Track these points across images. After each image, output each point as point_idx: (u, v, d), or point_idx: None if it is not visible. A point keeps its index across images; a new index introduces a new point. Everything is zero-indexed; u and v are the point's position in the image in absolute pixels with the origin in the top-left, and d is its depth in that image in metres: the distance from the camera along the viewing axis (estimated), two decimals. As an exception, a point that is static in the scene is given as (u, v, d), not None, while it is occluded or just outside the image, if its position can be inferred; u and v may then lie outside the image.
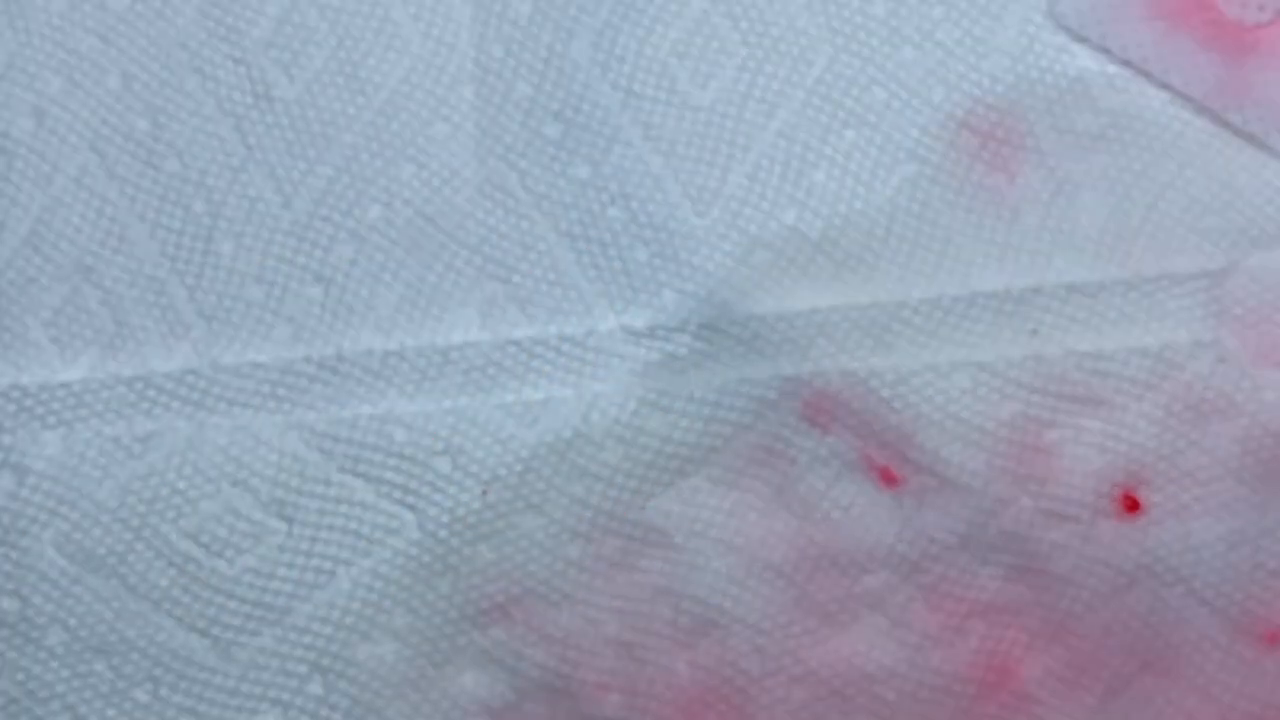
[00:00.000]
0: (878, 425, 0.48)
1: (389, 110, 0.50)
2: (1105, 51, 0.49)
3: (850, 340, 0.49)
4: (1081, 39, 0.49)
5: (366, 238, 0.49)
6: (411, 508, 0.48)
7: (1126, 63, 0.49)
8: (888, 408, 0.48)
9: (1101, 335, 0.48)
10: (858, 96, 0.50)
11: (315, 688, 0.48)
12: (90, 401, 0.49)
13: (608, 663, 0.48)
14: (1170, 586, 0.48)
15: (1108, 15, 0.49)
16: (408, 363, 0.49)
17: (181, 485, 0.48)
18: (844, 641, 0.48)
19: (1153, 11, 0.49)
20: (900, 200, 0.49)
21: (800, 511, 0.48)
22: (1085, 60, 0.49)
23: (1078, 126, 0.49)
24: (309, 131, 0.49)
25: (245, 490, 0.48)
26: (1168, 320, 0.49)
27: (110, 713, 0.48)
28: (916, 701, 0.48)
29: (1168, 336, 0.48)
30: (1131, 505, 0.48)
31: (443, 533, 0.48)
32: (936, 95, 0.50)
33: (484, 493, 0.48)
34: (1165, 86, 0.49)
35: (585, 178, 0.50)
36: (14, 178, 0.49)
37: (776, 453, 0.48)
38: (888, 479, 0.48)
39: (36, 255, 0.49)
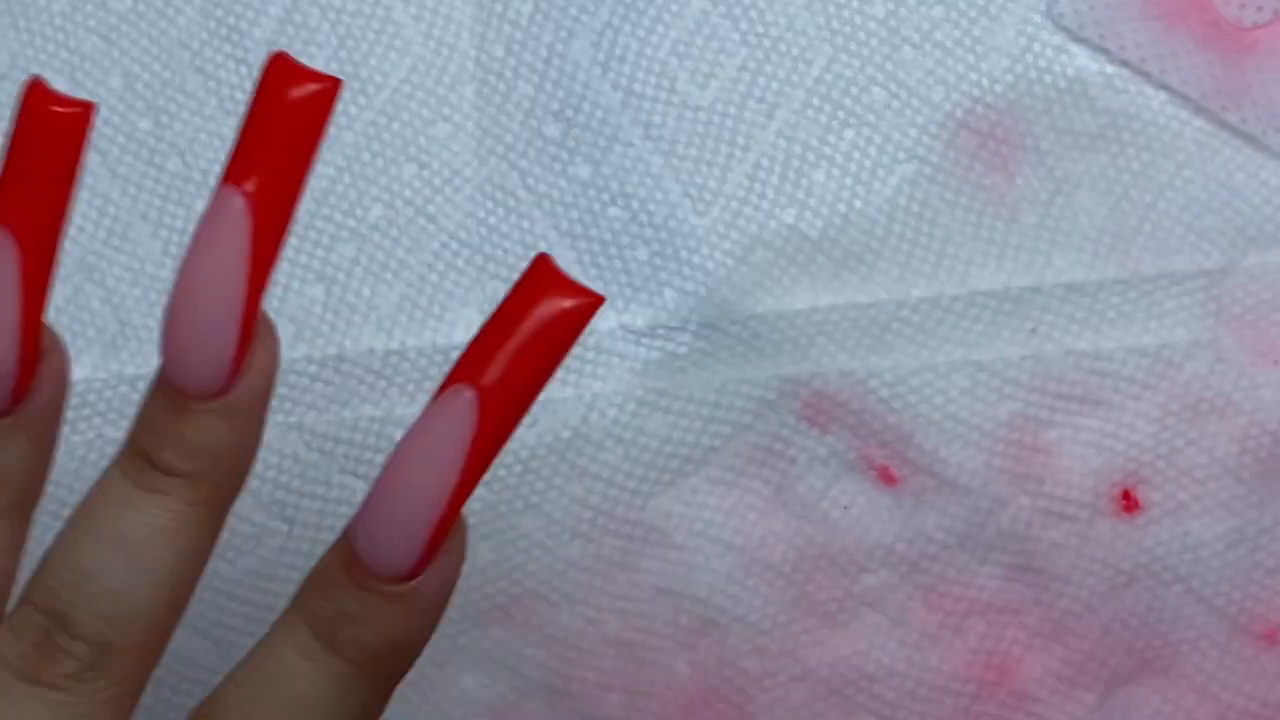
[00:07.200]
0: (877, 425, 0.48)
1: (390, 110, 0.50)
2: (1104, 52, 0.49)
3: (849, 340, 0.49)
4: (1080, 39, 0.49)
5: (368, 237, 0.49)
6: (412, 508, 0.48)
7: (1125, 63, 0.49)
8: (887, 407, 0.48)
9: (1100, 334, 0.48)
10: (857, 96, 0.50)
11: (317, 686, 0.48)
12: (93, 401, 0.49)
13: (608, 662, 0.48)
14: (1169, 585, 0.48)
15: (1106, 16, 0.49)
16: (409, 362, 0.49)
17: (184, 485, 0.48)
18: (843, 641, 0.48)
19: (1151, 12, 0.49)
20: (899, 200, 0.49)
21: (799, 511, 0.48)
22: (1084, 60, 0.49)
23: (1076, 126, 0.49)
24: (310, 132, 0.49)
25: (246, 491, 0.47)
26: (1166, 319, 0.48)
27: (114, 711, 0.48)
28: (916, 700, 0.48)
29: (1166, 336, 0.48)
30: (1130, 504, 0.48)
31: (444, 532, 0.48)
32: (936, 95, 0.50)
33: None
34: (1164, 86, 0.49)
35: (586, 177, 0.50)
36: (17, 178, 0.49)
37: (776, 452, 0.48)
38: (887, 478, 0.48)
39: (39, 255, 0.49)
